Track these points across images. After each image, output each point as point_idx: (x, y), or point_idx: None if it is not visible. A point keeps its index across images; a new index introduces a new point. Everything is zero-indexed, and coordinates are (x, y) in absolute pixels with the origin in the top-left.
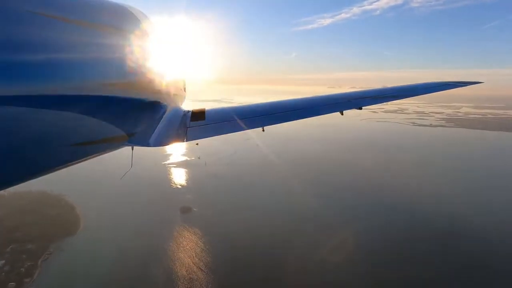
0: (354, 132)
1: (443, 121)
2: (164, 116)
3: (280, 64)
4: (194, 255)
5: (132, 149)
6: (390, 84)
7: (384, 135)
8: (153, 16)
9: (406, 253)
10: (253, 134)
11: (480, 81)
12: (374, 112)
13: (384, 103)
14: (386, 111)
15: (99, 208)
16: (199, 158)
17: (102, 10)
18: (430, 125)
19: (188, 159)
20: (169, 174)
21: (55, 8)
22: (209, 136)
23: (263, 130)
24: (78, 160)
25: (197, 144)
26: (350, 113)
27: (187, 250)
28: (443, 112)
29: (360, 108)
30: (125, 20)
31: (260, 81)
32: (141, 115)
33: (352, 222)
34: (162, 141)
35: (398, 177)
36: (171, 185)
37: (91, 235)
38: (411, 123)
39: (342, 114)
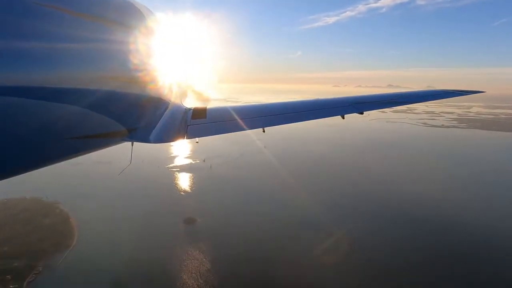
0: (365, 133)
1: (455, 122)
2: (165, 112)
3: (285, 63)
4: (198, 276)
5: (132, 144)
6: (395, 84)
7: (396, 136)
8: (158, 12)
9: (413, 258)
10: (258, 135)
11: (481, 90)
12: (383, 112)
13: None
14: (395, 111)
15: (96, 219)
16: (204, 161)
17: (108, 4)
18: (442, 126)
19: (193, 162)
20: (172, 179)
21: (62, 1)
22: (210, 135)
23: (264, 131)
24: (79, 153)
25: (197, 142)
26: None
27: (191, 270)
28: (454, 112)
29: (361, 113)
30: (130, 15)
31: (265, 80)
32: (142, 111)
33: (363, 228)
34: (162, 138)
35: (413, 182)
36: (174, 192)
37: (84, 251)
38: (423, 123)
39: (343, 118)
